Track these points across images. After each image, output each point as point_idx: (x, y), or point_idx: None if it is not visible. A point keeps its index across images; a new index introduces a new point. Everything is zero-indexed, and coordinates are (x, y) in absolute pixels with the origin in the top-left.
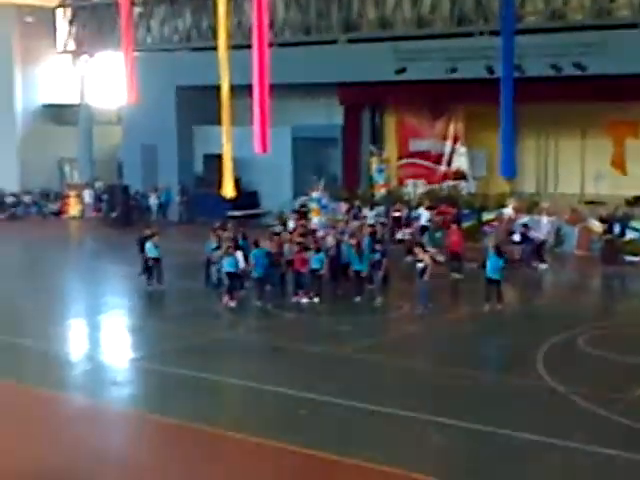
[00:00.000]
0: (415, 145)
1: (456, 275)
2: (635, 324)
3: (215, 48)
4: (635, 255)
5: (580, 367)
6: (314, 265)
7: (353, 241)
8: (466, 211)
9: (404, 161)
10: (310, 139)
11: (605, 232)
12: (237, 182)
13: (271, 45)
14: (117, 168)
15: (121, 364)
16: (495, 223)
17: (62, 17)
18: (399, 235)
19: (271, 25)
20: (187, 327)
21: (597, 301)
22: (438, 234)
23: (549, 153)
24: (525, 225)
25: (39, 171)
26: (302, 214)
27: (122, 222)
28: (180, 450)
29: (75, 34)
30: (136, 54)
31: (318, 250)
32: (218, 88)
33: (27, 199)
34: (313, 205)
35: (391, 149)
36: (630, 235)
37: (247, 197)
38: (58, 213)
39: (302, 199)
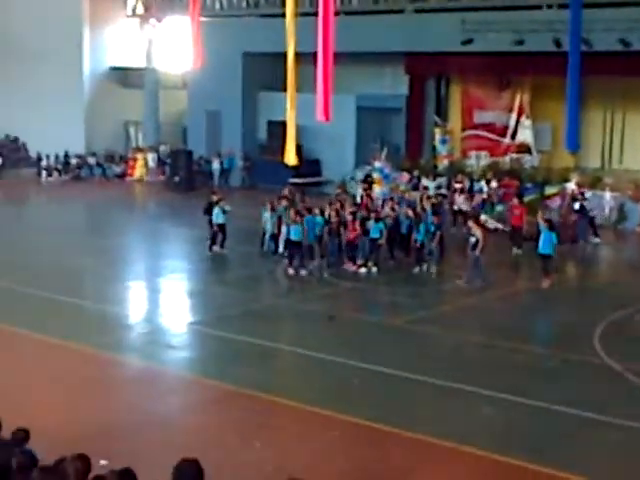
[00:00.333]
0: (480, 117)
1: (516, 250)
2: None
3: (283, 15)
4: None
5: (637, 345)
6: (373, 234)
7: (409, 211)
8: (529, 185)
9: (468, 132)
10: (374, 108)
11: None
12: (299, 150)
13: (338, 13)
14: (182, 133)
15: (178, 328)
16: (557, 197)
17: None
18: (456, 207)
19: None
20: (245, 292)
21: None
22: (499, 207)
23: (615, 128)
24: (584, 197)
25: (104, 133)
26: (368, 184)
27: (185, 186)
28: (233, 416)
29: None
30: (204, 20)
31: (378, 220)
32: (284, 55)
33: (92, 161)
34: (375, 175)
35: (455, 120)
36: None
37: (309, 165)
38: (122, 176)
39: (367, 169)
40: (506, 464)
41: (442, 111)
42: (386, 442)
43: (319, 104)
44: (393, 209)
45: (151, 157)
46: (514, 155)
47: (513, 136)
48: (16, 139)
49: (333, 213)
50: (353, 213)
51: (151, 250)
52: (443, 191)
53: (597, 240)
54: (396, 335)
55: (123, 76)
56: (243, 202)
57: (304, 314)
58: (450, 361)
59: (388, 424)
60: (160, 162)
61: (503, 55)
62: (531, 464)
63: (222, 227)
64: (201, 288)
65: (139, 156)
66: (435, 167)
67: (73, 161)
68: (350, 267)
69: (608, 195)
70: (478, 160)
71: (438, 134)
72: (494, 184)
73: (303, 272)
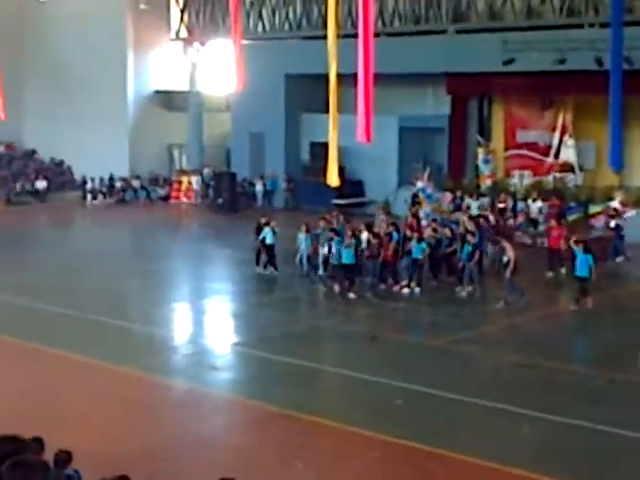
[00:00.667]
0: (522, 136)
1: (550, 274)
2: None
3: (324, 37)
4: None
5: None
6: (415, 254)
7: (448, 231)
8: (572, 204)
9: (511, 152)
10: (417, 129)
11: None
12: (342, 170)
13: (380, 35)
14: (225, 155)
15: (222, 349)
16: (601, 216)
17: (175, 5)
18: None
19: (381, 15)
20: (287, 314)
21: None
22: (542, 227)
23: None
24: (620, 215)
25: (149, 156)
26: (417, 204)
27: (228, 208)
28: (275, 436)
29: (187, 22)
30: (246, 42)
31: (420, 240)
32: (326, 76)
33: (136, 184)
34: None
35: (498, 140)
36: None
37: (352, 186)
38: (166, 198)
39: (415, 189)
40: None
41: (485, 131)
42: (427, 462)
43: (360, 125)
44: (435, 230)
45: (195, 180)
46: (557, 174)
47: (556, 155)
48: (61, 162)
49: (371, 235)
50: (388, 234)
51: (195, 272)
52: (482, 211)
53: (626, 259)
54: (438, 355)
55: (167, 99)
56: (286, 223)
57: (346, 335)
58: (492, 381)
59: (430, 444)
60: (204, 184)
61: (545, 74)
62: None
63: (271, 247)
64: (244, 309)
65: (183, 179)
66: (478, 187)
67: (118, 184)
68: (391, 287)
69: None
70: (521, 179)
71: (481, 154)
72: (539, 203)
73: (352, 295)
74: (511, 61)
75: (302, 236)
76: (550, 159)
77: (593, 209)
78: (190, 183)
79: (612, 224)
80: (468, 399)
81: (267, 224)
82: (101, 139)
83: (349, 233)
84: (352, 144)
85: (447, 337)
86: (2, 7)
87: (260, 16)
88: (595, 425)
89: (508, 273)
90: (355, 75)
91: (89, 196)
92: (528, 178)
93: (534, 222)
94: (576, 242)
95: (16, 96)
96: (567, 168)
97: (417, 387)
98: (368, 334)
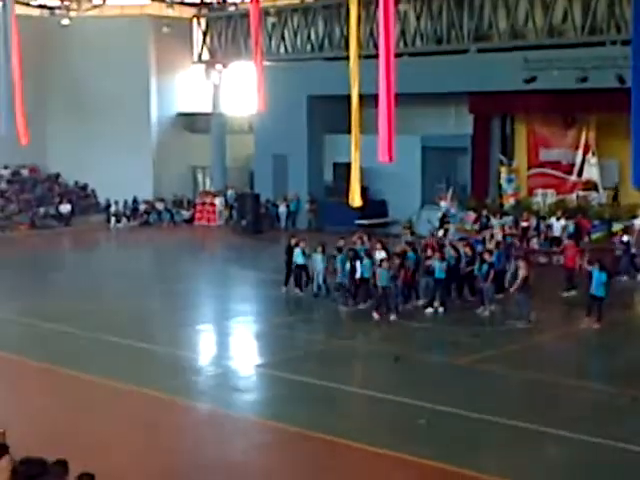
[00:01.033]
0: (545, 155)
1: (566, 293)
2: None
3: (346, 58)
4: None
5: None
6: (437, 274)
7: (468, 250)
8: (596, 222)
9: (534, 171)
10: (439, 148)
11: None
12: (364, 191)
13: (402, 55)
14: (249, 177)
15: (245, 370)
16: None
17: (197, 28)
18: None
19: (403, 35)
20: (310, 334)
21: None
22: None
23: None
24: (628, 232)
25: (172, 179)
26: (447, 223)
27: (252, 230)
28: (298, 458)
29: (209, 44)
30: (269, 64)
31: (442, 259)
32: (349, 97)
33: (160, 206)
34: (441, 215)
35: (521, 158)
36: None
37: (375, 206)
38: (190, 220)
39: (443, 209)
40: None
41: (507, 150)
42: None
43: (381, 145)
44: (457, 249)
45: (219, 201)
46: (581, 192)
47: (580, 173)
48: (85, 186)
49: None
50: (403, 254)
51: (219, 293)
52: (508, 230)
53: (629, 277)
54: (462, 375)
55: (190, 121)
56: (309, 244)
57: (370, 355)
58: (515, 400)
59: (453, 464)
60: (227, 206)
61: (567, 93)
62: None
63: (303, 267)
64: (267, 330)
65: (206, 201)
66: (501, 206)
67: (141, 207)
68: (414, 305)
69: None
70: (544, 198)
71: (504, 173)
72: (563, 222)
73: (393, 317)
74: (533, 79)
75: (319, 257)
76: (573, 177)
77: (617, 227)
78: (214, 205)
79: (624, 239)
80: (491, 418)
81: (298, 244)
82: (125, 162)
83: (383, 254)
84: (375, 164)
85: (470, 356)
86: (25, 30)
87: (282, 37)
88: (617, 443)
89: (512, 290)
90: (377, 95)
91: (113, 219)
92: (551, 197)
93: (558, 240)
94: (589, 262)
95: (40, 119)
96: (590, 186)
97: (440, 407)
98: (391, 354)
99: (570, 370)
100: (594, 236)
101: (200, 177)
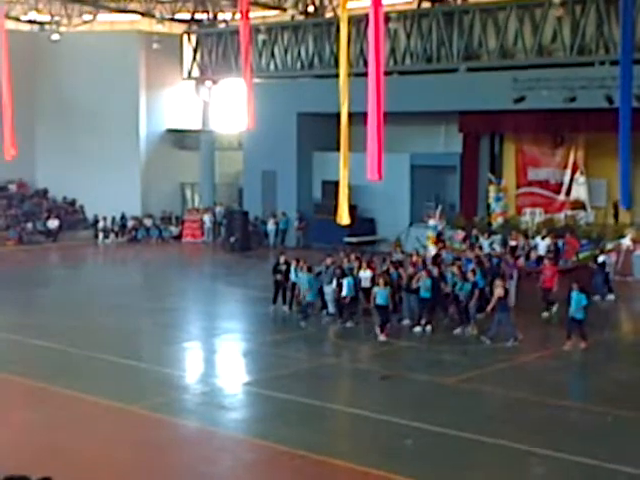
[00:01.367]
0: (534, 174)
1: (545, 313)
2: None
3: (337, 75)
4: None
5: None
6: (422, 294)
7: (456, 269)
8: (584, 241)
9: (522, 190)
10: (428, 167)
11: None
12: (353, 209)
13: (392, 73)
14: (237, 193)
15: (232, 388)
16: (613, 254)
17: (187, 44)
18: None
19: (393, 53)
20: (298, 352)
21: None
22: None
23: None
24: (605, 252)
25: (161, 195)
26: (442, 242)
27: (241, 247)
28: (284, 476)
29: (199, 61)
30: (259, 81)
31: (428, 278)
32: (338, 115)
33: (148, 222)
34: (429, 233)
35: (509, 178)
36: None
37: (364, 224)
38: (178, 237)
39: (439, 227)
40: None
41: (496, 169)
42: None
43: (370, 163)
44: (440, 268)
45: (207, 218)
46: (569, 212)
47: (568, 193)
48: (73, 201)
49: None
50: (386, 272)
51: (206, 311)
52: (491, 250)
53: (611, 297)
54: (448, 394)
55: (179, 138)
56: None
57: (356, 373)
58: (501, 419)
59: None
60: (216, 223)
61: (556, 112)
62: None
63: (293, 286)
64: (255, 348)
65: (195, 217)
66: (490, 225)
67: (130, 223)
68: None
69: None
70: (533, 217)
71: (492, 192)
72: (548, 241)
73: (383, 337)
74: (522, 99)
75: (304, 276)
76: (561, 197)
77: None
78: (202, 221)
79: (600, 259)
80: (478, 437)
81: (287, 263)
82: (113, 178)
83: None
84: (364, 182)
85: (457, 376)
86: (14, 45)
87: (272, 54)
88: (602, 463)
89: (488, 309)
90: (367, 113)
91: (101, 235)
92: (540, 216)
93: (543, 260)
94: (576, 284)
95: (28, 134)
96: (579, 205)
97: (427, 426)
98: (378, 373)
99: (555, 390)
100: (582, 255)
101: (189, 194)
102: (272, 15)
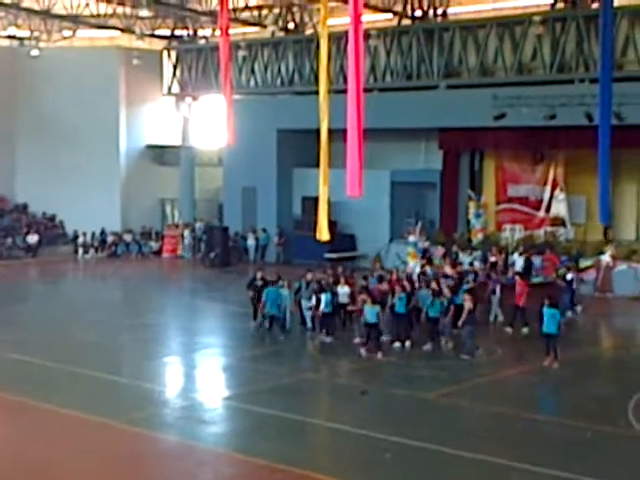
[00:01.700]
0: (514, 190)
1: (509, 329)
2: None
3: (317, 92)
4: None
5: None
6: (397, 309)
7: (434, 285)
8: (563, 257)
9: (502, 206)
10: (409, 183)
11: None
12: (333, 225)
13: (372, 90)
14: (217, 209)
15: (212, 403)
16: (592, 270)
17: (167, 60)
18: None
19: (372, 70)
20: (277, 367)
21: None
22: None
23: None
24: (572, 269)
25: (141, 210)
26: (428, 259)
27: (220, 262)
28: None
29: (180, 77)
30: (239, 97)
31: (403, 293)
32: (318, 131)
33: (128, 238)
34: (409, 249)
35: (489, 194)
36: None
37: (344, 240)
38: (158, 252)
39: (425, 244)
40: None
41: (476, 185)
42: None
43: (350, 179)
44: (412, 284)
45: (187, 234)
46: (549, 228)
47: (547, 209)
48: (53, 216)
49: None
50: (363, 288)
51: (186, 326)
52: (476, 264)
53: (579, 309)
54: (428, 409)
55: (159, 154)
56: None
57: (337, 388)
58: (480, 434)
59: None
60: (196, 239)
61: (536, 129)
62: None
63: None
64: (234, 363)
65: (174, 233)
66: (469, 241)
67: (109, 238)
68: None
69: None
70: (512, 233)
71: (472, 208)
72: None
73: (379, 355)
74: (502, 116)
75: (285, 292)
76: (541, 213)
77: (584, 263)
78: (181, 237)
79: (568, 277)
80: (456, 452)
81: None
82: (93, 193)
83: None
84: (344, 198)
85: (436, 390)
86: None
87: (252, 71)
88: (578, 477)
89: (460, 323)
90: (347, 130)
91: (81, 250)
92: (519, 232)
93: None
94: (547, 299)
95: (8, 149)
96: (558, 222)
97: (406, 440)
98: (358, 387)
99: (533, 404)
100: (561, 271)
101: (169, 209)
102: (252, 32)
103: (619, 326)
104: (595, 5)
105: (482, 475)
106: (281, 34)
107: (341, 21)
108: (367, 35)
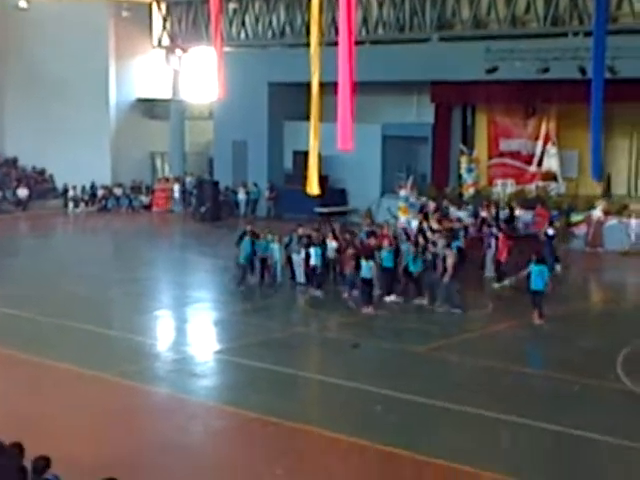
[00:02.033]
0: (506, 145)
1: (497, 284)
2: None
3: (308, 45)
4: None
5: None
6: (385, 263)
7: (421, 240)
8: (555, 212)
9: (494, 161)
10: (400, 137)
11: None
12: (323, 179)
13: (364, 42)
14: (208, 163)
15: (203, 356)
16: (583, 225)
17: (157, 12)
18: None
19: (365, 23)
20: (268, 321)
21: None
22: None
23: None
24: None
25: (131, 164)
26: (424, 215)
27: (211, 217)
28: (255, 443)
29: (169, 29)
30: (229, 50)
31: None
32: (309, 85)
33: (118, 192)
34: (400, 203)
35: (481, 148)
36: None
37: (335, 194)
38: (148, 206)
39: (423, 200)
40: None
41: (468, 139)
42: (406, 467)
43: (341, 133)
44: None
45: (177, 188)
46: (540, 183)
47: (539, 164)
48: (43, 170)
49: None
50: (349, 243)
51: (177, 280)
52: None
53: (558, 267)
54: (418, 362)
55: (149, 107)
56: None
57: (327, 342)
58: (469, 387)
59: (408, 449)
60: (186, 192)
61: (529, 83)
62: None
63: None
64: (225, 317)
65: (164, 187)
66: (461, 195)
67: (100, 192)
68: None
69: (634, 222)
70: (504, 188)
71: (464, 162)
72: (518, 212)
73: (370, 309)
74: (495, 69)
75: (275, 247)
76: (533, 168)
77: (575, 218)
78: (172, 191)
79: (550, 232)
80: (446, 404)
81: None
82: (83, 147)
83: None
84: (335, 152)
85: (427, 344)
86: None
87: (243, 23)
88: (566, 429)
89: (446, 279)
90: (338, 83)
91: (71, 204)
92: (511, 187)
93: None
94: (535, 255)
95: None
96: (550, 177)
97: (396, 394)
98: (349, 341)
99: (522, 358)
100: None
101: (159, 163)
102: None
103: (609, 281)
104: None
105: (468, 427)
106: None
107: None
108: None
